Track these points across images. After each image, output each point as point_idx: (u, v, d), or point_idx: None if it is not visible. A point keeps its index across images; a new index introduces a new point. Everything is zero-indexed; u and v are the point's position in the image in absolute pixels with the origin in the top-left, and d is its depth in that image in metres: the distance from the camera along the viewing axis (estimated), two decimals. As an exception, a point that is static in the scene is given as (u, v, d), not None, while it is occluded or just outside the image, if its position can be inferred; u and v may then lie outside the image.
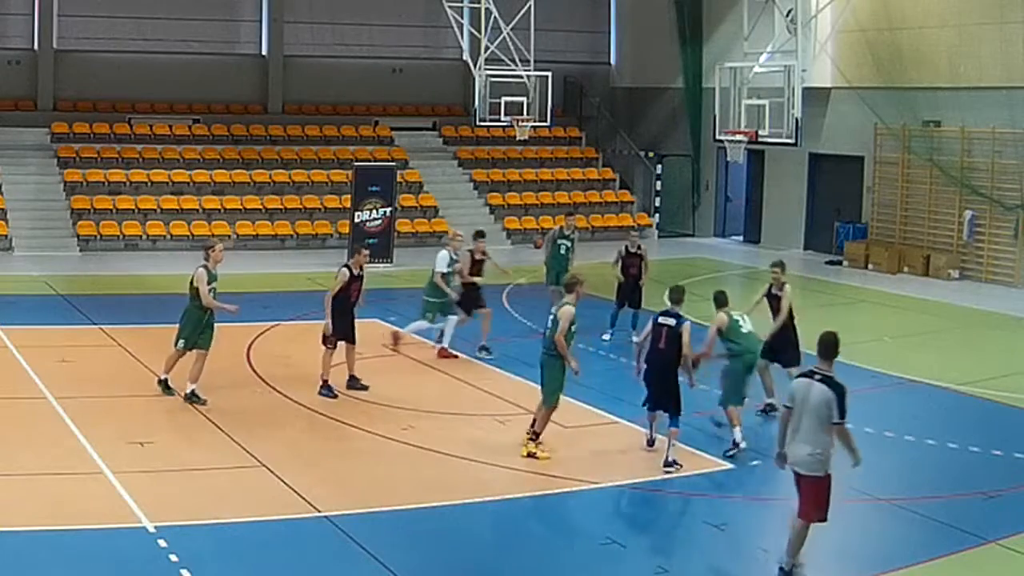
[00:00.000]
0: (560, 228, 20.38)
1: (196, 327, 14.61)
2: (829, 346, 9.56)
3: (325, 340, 15.30)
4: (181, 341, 14.64)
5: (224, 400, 14.72)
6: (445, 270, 17.69)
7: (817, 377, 9.48)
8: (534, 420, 13.03)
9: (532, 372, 16.43)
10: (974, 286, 25.66)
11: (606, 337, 18.92)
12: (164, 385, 14.77)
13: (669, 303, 13.14)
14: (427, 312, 17.82)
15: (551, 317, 12.99)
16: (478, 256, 17.99)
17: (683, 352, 12.68)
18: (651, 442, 13.31)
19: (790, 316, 14.80)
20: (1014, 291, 24.89)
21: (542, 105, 29.44)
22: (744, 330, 13.66)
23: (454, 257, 17.81)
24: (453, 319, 17.78)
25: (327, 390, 15.21)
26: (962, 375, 17.09)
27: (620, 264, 19.14)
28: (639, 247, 19.28)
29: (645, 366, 12.96)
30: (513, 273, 21.31)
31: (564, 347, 12.77)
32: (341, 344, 15.37)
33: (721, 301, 13.78)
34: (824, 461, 9.44)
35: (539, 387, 13.17)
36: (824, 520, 9.59)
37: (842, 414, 9.34)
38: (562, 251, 19.87)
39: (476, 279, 17.89)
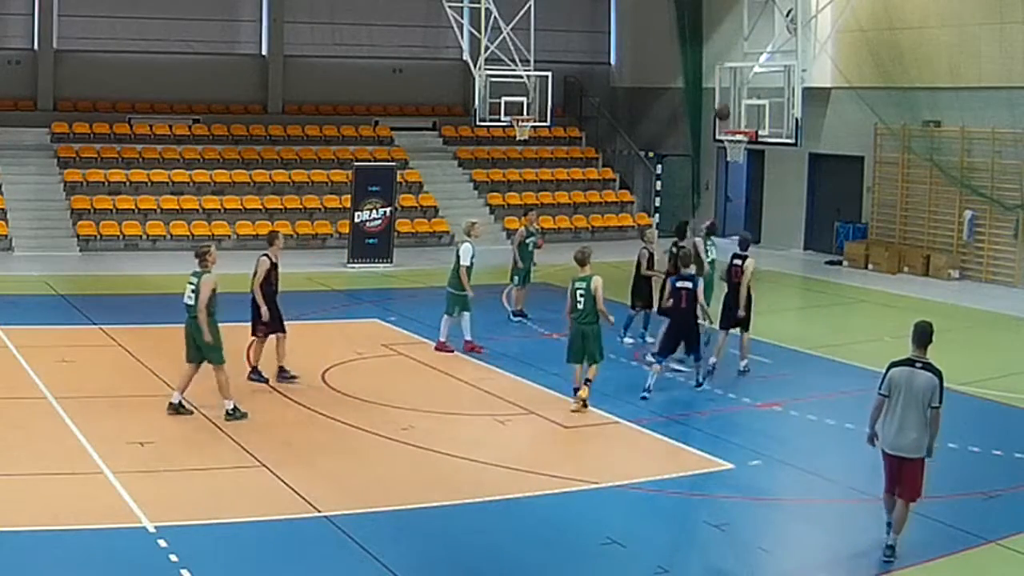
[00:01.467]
0: (526, 227, 20.52)
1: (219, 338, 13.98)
2: (926, 334, 10.17)
3: (255, 330, 15.67)
4: (216, 354, 13.92)
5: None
6: (469, 263, 17.69)
7: (919, 365, 10.07)
8: (587, 379, 14.67)
9: (531, 372, 16.56)
10: (974, 286, 25.65)
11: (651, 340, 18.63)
12: (238, 412, 13.83)
13: (682, 267, 15.88)
14: (452, 306, 17.79)
15: (578, 291, 14.58)
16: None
17: (699, 302, 15.39)
18: (649, 388, 15.23)
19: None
20: (1014, 291, 24.89)
21: (542, 105, 29.42)
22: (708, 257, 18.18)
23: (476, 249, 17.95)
24: (467, 315, 17.79)
25: (257, 375, 15.55)
26: (962, 375, 17.04)
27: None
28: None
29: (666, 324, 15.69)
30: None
31: (605, 311, 14.66)
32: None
33: (711, 230, 18.97)
34: (925, 444, 10.09)
35: (570, 354, 14.84)
36: (920, 497, 10.28)
37: (941, 399, 10.02)
38: (529, 248, 20.31)
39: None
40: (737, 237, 17.66)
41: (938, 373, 10.08)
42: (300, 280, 24.50)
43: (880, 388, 10.19)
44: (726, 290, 16.92)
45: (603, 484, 12.03)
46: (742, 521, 11.34)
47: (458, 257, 17.78)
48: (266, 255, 15.77)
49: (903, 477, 10.15)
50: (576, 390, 14.71)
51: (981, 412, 15.55)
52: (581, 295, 14.58)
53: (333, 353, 17.48)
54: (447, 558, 10.22)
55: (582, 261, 14.86)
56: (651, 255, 18.76)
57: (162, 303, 21.67)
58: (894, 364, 10.19)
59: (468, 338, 17.83)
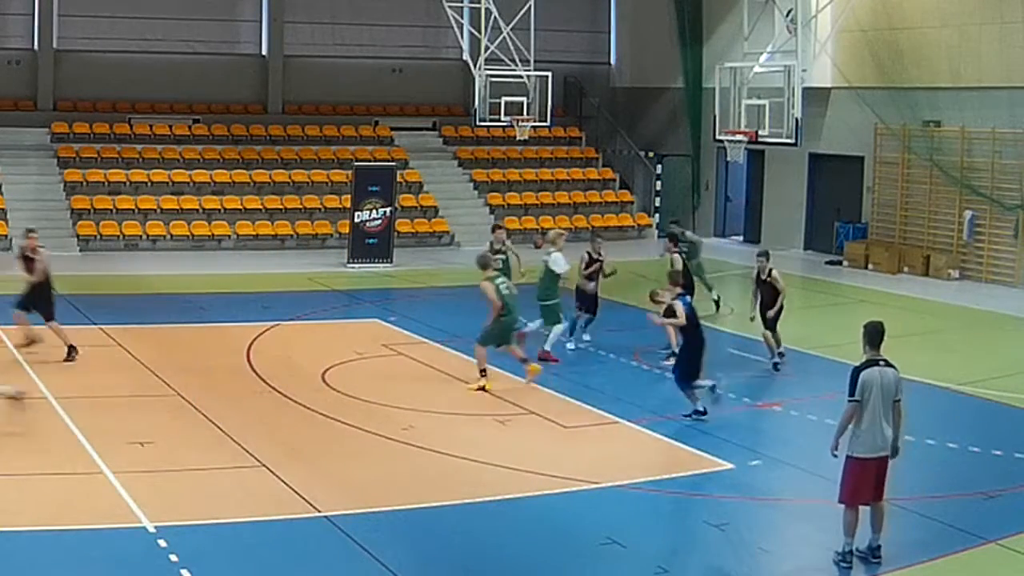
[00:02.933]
0: (491, 244, 19.42)
1: None
2: (878, 334, 10.21)
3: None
4: None
5: (224, 400, 14.73)
6: (562, 271, 17.75)
7: (882, 363, 10.07)
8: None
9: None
10: (974, 286, 25.64)
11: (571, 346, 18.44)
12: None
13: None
14: (552, 316, 17.70)
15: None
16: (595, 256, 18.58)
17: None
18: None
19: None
20: (1014, 291, 24.88)
21: (542, 105, 29.43)
22: None
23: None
24: (558, 328, 17.69)
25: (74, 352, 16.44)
26: (962, 375, 17.08)
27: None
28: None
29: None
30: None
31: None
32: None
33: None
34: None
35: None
36: None
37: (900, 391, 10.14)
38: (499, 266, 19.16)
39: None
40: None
41: (895, 367, 10.16)
42: (300, 280, 24.52)
43: (852, 394, 10.03)
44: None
45: (603, 484, 12.02)
46: (742, 521, 11.33)
47: (548, 268, 17.74)
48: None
49: (882, 477, 10.10)
50: (522, 361, 16.08)
51: (981, 412, 15.54)
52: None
53: (333, 353, 17.47)
54: (447, 558, 10.22)
55: (485, 265, 16.17)
56: (591, 260, 18.61)
57: (162, 303, 21.71)
58: (860, 368, 10.08)
59: (547, 348, 17.58)
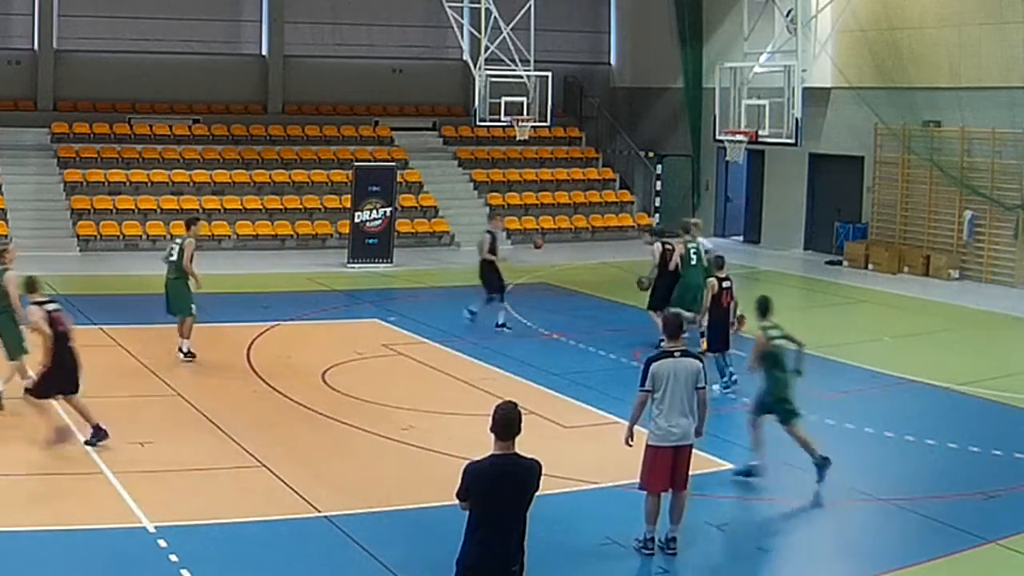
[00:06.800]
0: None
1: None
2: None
3: None
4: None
5: (223, 400, 14.73)
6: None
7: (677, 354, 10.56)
8: None
9: (531, 372, 16.57)
10: (974, 286, 25.64)
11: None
12: None
13: (719, 270, 15.98)
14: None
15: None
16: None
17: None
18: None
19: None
20: (1014, 291, 24.88)
21: (542, 105, 29.45)
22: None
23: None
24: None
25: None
26: (962, 375, 17.08)
27: None
28: None
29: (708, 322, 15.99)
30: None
31: None
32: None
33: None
34: None
35: None
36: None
37: None
38: None
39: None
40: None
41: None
42: (300, 280, 24.52)
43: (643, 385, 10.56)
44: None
45: (603, 484, 12.02)
46: (742, 521, 11.34)
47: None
48: None
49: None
50: None
51: (981, 412, 15.54)
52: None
53: (333, 353, 17.47)
54: (447, 558, 10.20)
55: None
56: (493, 238, 19.21)
57: (162, 303, 21.69)
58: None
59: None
